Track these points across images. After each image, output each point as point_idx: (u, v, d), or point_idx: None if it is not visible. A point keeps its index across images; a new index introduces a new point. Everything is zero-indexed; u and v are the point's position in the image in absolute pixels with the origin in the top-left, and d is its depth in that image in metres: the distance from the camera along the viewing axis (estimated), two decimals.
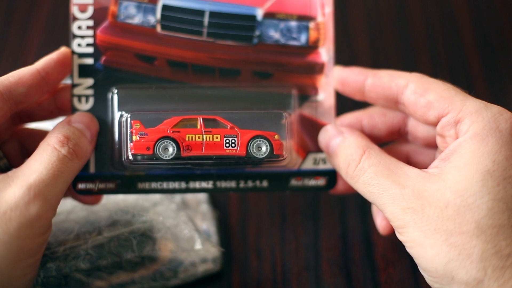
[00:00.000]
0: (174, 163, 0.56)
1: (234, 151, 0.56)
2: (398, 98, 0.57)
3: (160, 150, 0.55)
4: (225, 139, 0.56)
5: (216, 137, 0.56)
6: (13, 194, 0.50)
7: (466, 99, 0.53)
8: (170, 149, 0.55)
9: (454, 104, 0.53)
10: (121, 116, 0.58)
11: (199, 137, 0.55)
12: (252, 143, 0.56)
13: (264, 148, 0.56)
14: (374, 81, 0.58)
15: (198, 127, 0.56)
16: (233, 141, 0.56)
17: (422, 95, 0.55)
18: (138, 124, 0.56)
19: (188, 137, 0.55)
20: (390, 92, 0.57)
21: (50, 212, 0.52)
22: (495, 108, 0.51)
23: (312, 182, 0.60)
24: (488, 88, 0.82)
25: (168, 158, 0.55)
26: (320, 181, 0.60)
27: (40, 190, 0.51)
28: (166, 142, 0.55)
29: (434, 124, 0.55)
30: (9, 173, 0.52)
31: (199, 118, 0.56)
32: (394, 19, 0.89)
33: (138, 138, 0.55)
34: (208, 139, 0.55)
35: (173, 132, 0.55)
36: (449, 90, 0.54)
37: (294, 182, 0.60)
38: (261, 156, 0.56)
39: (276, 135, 0.57)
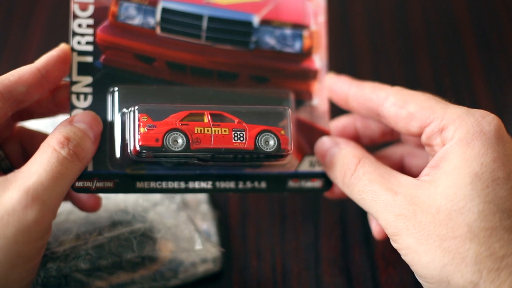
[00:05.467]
0: (182, 156, 0.56)
1: (243, 144, 0.56)
2: (379, 110, 0.57)
3: (170, 142, 0.55)
4: (233, 132, 0.56)
5: (225, 130, 0.56)
6: (11, 198, 0.49)
7: (447, 107, 0.53)
8: (180, 141, 0.55)
9: (436, 113, 0.53)
10: (123, 114, 0.57)
11: (208, 130, 0.55)
12: (260, 137, 0.56)
13: (271, 142, 0.56)
14: (356, 92, 0.59)
15: (206, 121, 0.56)
16: (241, 134, 0.56)
17: (402, 107, 0.55)
18: (146, 117, 0.55)
19: (197, 129, 0.55)
20: (371, 103, 0.58)
21: (49, 216, 0.51)
22: (478, 112, 0.52)
23: (308, 184, 0.60)
24: (488, 88, 0.82)
25: (177, 150, 0.55)
26: (317, 183, 0.60)
27: (38, 194, 0.49)
28: (176, 133, 0.55)
29: (418, 135, 0.55)
30: (8, 176, 0.51)
31: (206, 113, 0.56)
32: (394, 19, 0.89)
33: (146, 130, 0.55)
34: (217, 132, 0.55)
35: (182, 124, 0.55)
36: (429, 100, 0.54)
37: (291, 183, 0.60)
38: (269, 150, 0.56)
39: (283, 130, 0.57)
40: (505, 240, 0.48)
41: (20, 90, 0.54)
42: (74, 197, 0.62)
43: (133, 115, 0.56)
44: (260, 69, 0.61)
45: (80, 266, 0.60)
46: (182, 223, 0.65)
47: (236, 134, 0.56)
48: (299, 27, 0.62)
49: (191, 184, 0.58)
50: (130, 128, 0.56)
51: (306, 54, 0.62)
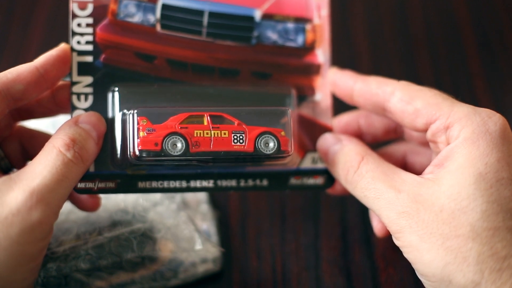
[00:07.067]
0: (181, 159, 0.55)
1: (242, 147, 0.56)
2: (385, 105, 0.57)
3: (169, 146, 0.54)
4: (233, 135, 0.56)
5: (224, 133, 0.55)
6: (15, 199, 0.49)
7: (454, 105, 0.53)
8: (179, 145, 0.55)
9: (442, 110, 0.53)
10: (124, 114, 0.57)
11: (207, 133, 0.55)
12: (260, 139, 0.56)
13: (271, 144, 0.56)
14: (362, 87, 0.59)
15: (205, 123, 0.56)
16: (241, 137, 0.56)
17: (409, 103, 0.55)
18: (145, 120, 0.55)
19: (196, 133, 0.55)
20: (377, 98, 0.57)
21: (52, 217, 0.51)
22: (484, 112, 0.52)
23: (311, 181, 0.60)
24: (488, 88, 0.82)
25: (176, 154, 0.54)
26: (319, 180, 0.60)
27: (43, 196, 0.50)
28: (175, 137, 0.55)
29: (423, 131, 0.55)
30: (12, 175, 0.51)
31: (205, 115, 0.56)
32: (394, 19, 0.89)
33: (145, 134, 0.55)
34: (216, 135, 0.55)
35: (181, 128, 0.55)
36: (436, 96, 0.54)
37: (293, 181, 0.60)
38: (268, 152, 0.56)
39: (283, 132, 0.57)
40: (507, 241, 0.48)
41: (18, 88, 0.54)
42: (73, 196, 0.62)
43: (133, 118, 0.55)
44: (262, 65, 0.61)
45: (80, 266, 0.60)
46: (182, 223, 0.65)
47: (235, 137, 0.56)
48: (301, 20, 0.62)
49: (192, 183, 0.58)
50: (130, 131, 0.56)
51: (308, 48, 0.62)
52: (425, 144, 0.60)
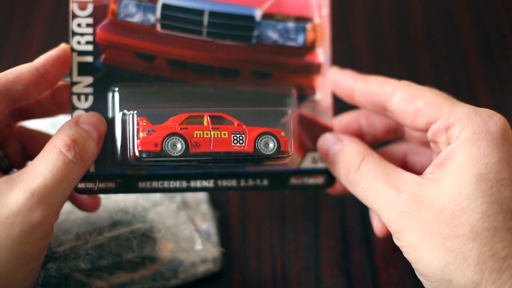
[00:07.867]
0: (181, 160, 0.55)
1: (242, 147, 0.56)
2: (386, 105, 0.57)
3: (169, 147, 0.54)
4: (233, 135, 0.56)
5: (224, 134, 0.55)
6: (16, 199, 0.49)
7: (455, 105, 0.53)
8: (179, 146, 0.55)
9: (443, 111, 0.53)
10: (124, 114, 0.57)
11: (207, 134, 0.55)
12: (260, 139, 0.56)
13: (271, 145, 0.56)
14: (362, 86, 0.59)
15: (205, 124, 0.56)
16: (241, 137, 0.56)
17: (409, 103, 0.55)
18: (145, 121, 0.55)
19: (196, 133, 0.55)
20: (377, 98, 0.57)
21: (52, 218, 0.51)
22: (485, 112, 0.52)
23: (311, 181, 0.60)
24: (488, 88, 0.82)
25: (176, 154, 0.54)
26: (319, 180, 0.60)
27: (43, 196, 0.50)
28: (175, 138, 0.55)
29: (424, 131, 0.55)
30: (13, 175, 0.51)
31: (205, 115, 0.56)
32: (394, 19, 0.89)
33: (145, 135, 0.55)
34: (216, 136, 0.55)
35: (181, 128, 0.55)
36: (437, 96, 0.54)
37: (293, 180, 0.60)
38: (268, 153, 0.56)
39: (283, 132, 0.57)
40: (508, 241, 0.48)
41: (18, 88, 0.54)
42: (73, 197, 0.62)
43: (132, 119, 0.55)
44: (262, 64, 0.61)
45: (80, 266, 0.60)
46: (182, 223, 0.65)
47: (235, 137, 0.56)
48: (302, 20, 0.62)
49: (192, 183, 0.58)
50: (130, 132, 0.56)
51: (309, 47, 0.62)
52: (426, 144, 0.60)
